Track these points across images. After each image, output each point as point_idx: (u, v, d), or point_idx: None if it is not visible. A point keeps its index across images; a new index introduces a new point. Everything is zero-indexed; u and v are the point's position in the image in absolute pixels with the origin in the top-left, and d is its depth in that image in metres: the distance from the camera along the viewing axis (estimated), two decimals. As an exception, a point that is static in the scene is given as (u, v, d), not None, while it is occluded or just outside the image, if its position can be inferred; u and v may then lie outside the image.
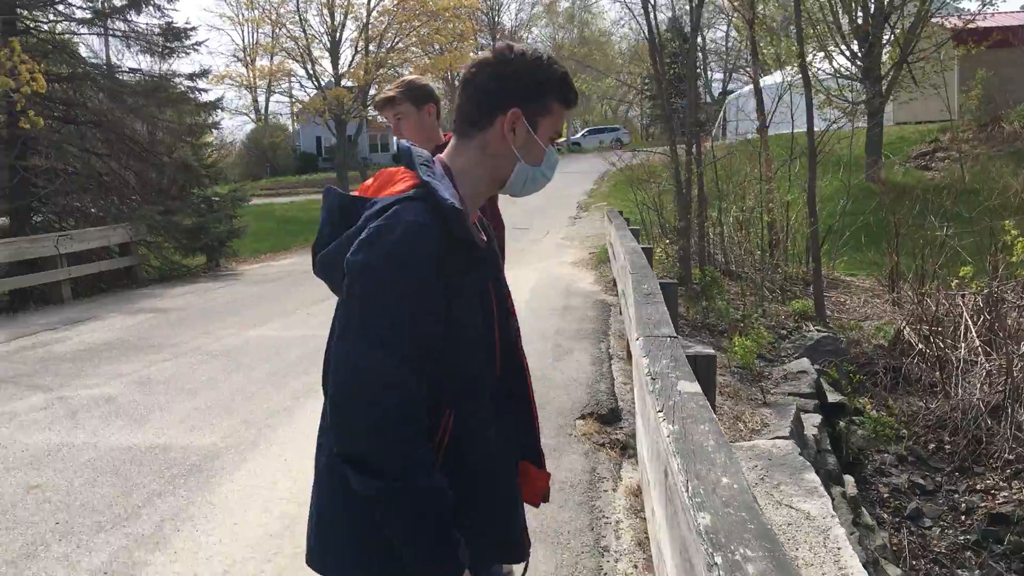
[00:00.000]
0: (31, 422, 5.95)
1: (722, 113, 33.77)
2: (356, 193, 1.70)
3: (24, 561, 3.79)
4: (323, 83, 28.58)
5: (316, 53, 28.53)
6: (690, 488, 1.82)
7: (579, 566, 3.68)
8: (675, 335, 3.51)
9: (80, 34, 15.25)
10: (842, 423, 8.59)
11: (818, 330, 11.15)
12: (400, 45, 28.28)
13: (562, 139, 54.08)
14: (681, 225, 12.09)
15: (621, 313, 8.62)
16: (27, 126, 11.00)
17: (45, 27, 14.82)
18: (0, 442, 5.51)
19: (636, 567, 3.68)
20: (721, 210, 14.16)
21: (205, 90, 16.72)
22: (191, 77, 15.97)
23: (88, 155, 15.07)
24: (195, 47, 15.39)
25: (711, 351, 3.41)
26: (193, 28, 15.62)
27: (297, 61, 28.19)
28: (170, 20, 15.08)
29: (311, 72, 28.12)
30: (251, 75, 42.24)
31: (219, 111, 16.41)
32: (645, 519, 4.18)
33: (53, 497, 4.54)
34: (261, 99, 52.59)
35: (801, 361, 9.38)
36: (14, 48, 10.02)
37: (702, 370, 3.25)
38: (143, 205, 14.76)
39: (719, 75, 57.26)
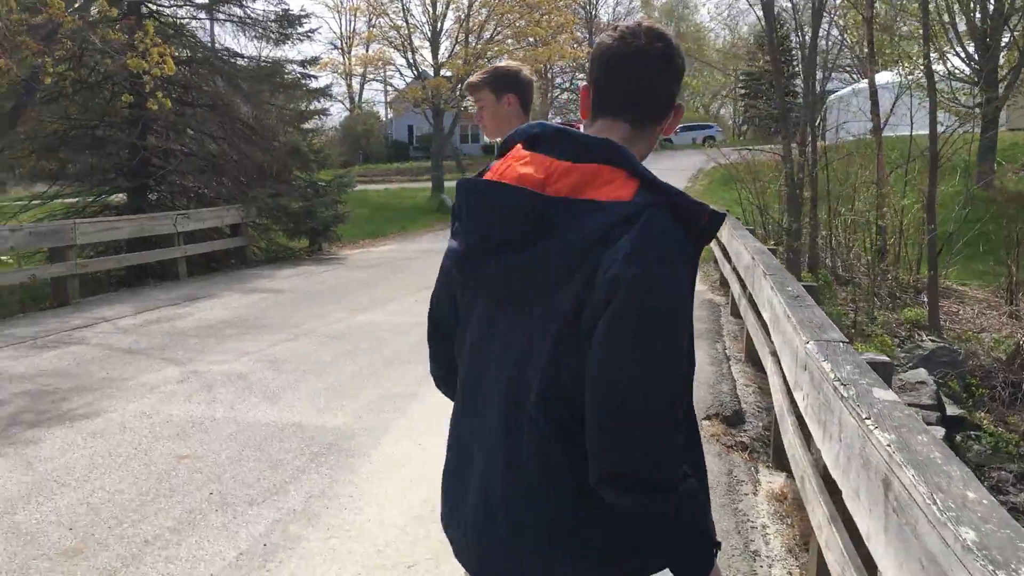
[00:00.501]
0: (171, 394, 6.17)
1: (823, 113, 33.02)
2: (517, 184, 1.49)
3: (186, 528, 3.93)
4: (422, 72, 28.89)
5: (416, 43, 28.87)
6: (938, 502, 1.77)
7: (732, 568, 3.64)
8: (846, 340, 3.44)
9: (199, 19, 15.72)
10: (959, 437, 8.32)
11: (932, 340, 10.81)
12: (499, 36, 28.38)
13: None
14: (793, 227, 11.85)
15: (739, 315, 8.50)
16: (154, 107, 11.39)
17: (167, 11, 15.32)
18: (146, 411, 5.73)
19: (790, 574, 3.62)
20: (832, 213, 13.84)
21: (315, 77, 17.06)
22: (302, 64, 16.32)
23: (203, 137, 15.57)
24: (308, 34, 15.71)
25: (886, 358, 3.32)
26: (307, 15, 15.94)
27: (398, 50, 28.53)
28: (286, 7, 15.43)
29: (411, 61, 28.44)
30: (347, 63, 42.93)
31: (327, 98, 16.69)
32: (791, 526, 4.12)
33: (203, 468, 4.70)
34: (355, 87, 53.46)
35: (918, 371, 9.12)
36: (148, 31, 10.37)
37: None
38: (254, 188, 15.16)
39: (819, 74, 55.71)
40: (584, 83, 1.63)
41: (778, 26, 15.49)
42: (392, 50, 29.16)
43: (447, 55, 28.71)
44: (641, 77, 1.54)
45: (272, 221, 15.38)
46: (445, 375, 1.84)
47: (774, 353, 5.17)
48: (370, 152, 47.90)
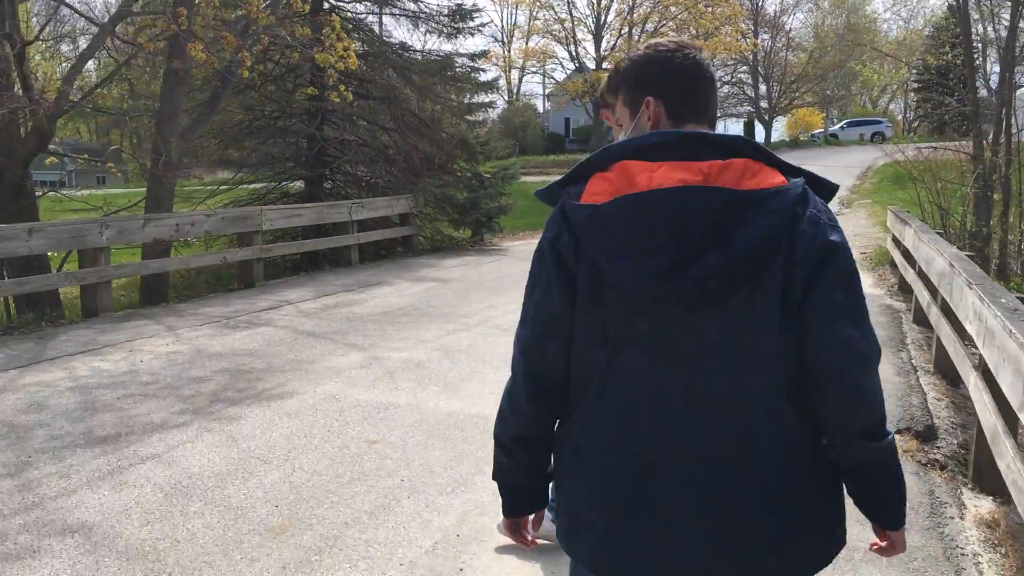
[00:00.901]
0: (356, 379, 6.40)
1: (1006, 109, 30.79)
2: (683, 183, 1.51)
3: (382, 513, 4.06)
4: (583, 65, 28.88)
5: (579, 35, 28.89)
6: None
7: (945, 599, 3.43)
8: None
9: (376, 13, 16.25)
10: None
11: None
12: (662, 29, 27.98)
13: (818, 130, 51.59)
14: (983, 230, 11.12)
15: (925, 323, 8.06)
16: (336, 99, 11.86)
17: (348, 6, 15.92)
18: (334, 395, 5.97)
19: (1011, 610, 3.38)
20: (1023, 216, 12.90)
21: (484, 70, 17.34)
22: (471, 57, 16.61)
23: (375, 128, 16.12)
24: (479, 28, 15.96)
25: None
26: (479, 9, 16.20)
27: (561, 43, 28.65)
28: (459, 1, 15.72)
29: (573, 54, 28.49)
30: (506, 55, 43.40)
31: (494, 91, 16.92)
32: (1006, 555, 3.85)
33: (392, 454, 4.84)
34: (514, 79, 54.01)
35: None
36: (335, 27, 10.80)
37: None
38: (422, 178, 15.58)
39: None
40: (647, 96, 1.68)
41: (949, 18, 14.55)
42: (555, 43, 29.24)
43: (609, 48, 28.59)
44: (708, 83, 1.70)
45: (438, 211, 15.76)
46: (542, 434, 1.72)
47: (980, 368, 4.85)
48: (527, 144, 48.33)
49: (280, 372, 6.61)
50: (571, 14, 28.23)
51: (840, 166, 34.08)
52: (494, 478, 1.82)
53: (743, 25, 33.09)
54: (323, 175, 15.47)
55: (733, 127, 50.53)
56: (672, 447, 1.54)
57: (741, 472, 1.53)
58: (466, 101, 16.92)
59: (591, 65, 28.32)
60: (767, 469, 1.53)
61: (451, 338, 7.83)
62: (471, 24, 16.06)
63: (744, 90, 44.78)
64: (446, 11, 15.81)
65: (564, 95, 29.54)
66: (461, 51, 16.23)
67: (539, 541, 2.52)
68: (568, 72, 30.52)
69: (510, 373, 1.71)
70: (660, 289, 1.48)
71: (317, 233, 13.77)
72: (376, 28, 16.62)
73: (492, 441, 1.84)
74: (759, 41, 34.23)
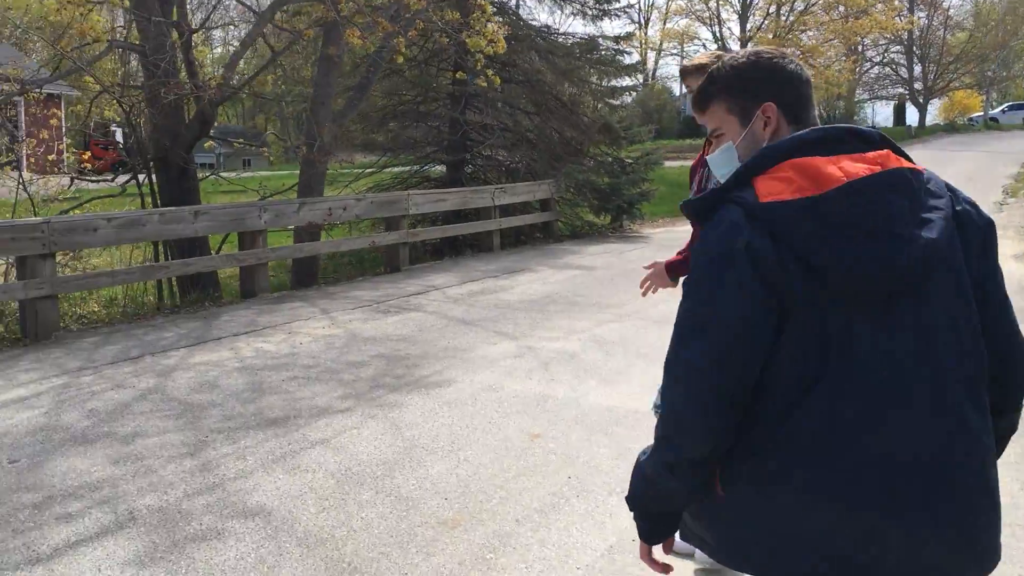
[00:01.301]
0: (511, 369, 6.34)
1: None
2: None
3: (552, 512, 3.96)
4: (727, 46, 28.06)
5: (724, 15, 28.10)
6: None
7: None
8: None
9: (521, -2, 16.15)
10: None
11: None
12: (813, 8, 26.90)
13: (977, 113, 48.54)
14: None
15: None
16: (484, 84, 11.84)
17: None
18: (491, 384, 5.93)
19: None
20: None
21: (628, 52, 17.00)
22: (615, 40, 16.32)
23: (516, 112, 16.07)
24: (625, 10, 15.66)
25: None
26: (625, -9, 15.88)
27: (704, 23, 27.91)
28: (608, -19, 15.46)
29: (717, 35, 27.73)
30: (643, 37, 42.65)
31: (638, 74, 16.58)
32: None
33: (556, 450, 4.74)
34: (649, 62, 53.10)
35: None
36: (485, 10, 10.76)
37: None
38: (563, 163, 15.46)
39: None
40: (764, 100, 1.70)
41: None
42: (698, 23, 28.51)
43: (756, 28, 27.70)
44: (811, 87, 1.76)
45: (579, 197, 15.60)
46: (716, 455, 1.57)
47: None
48: (662, 127, 47.50)
49: (435, 359, 6.62)
50: (716, -7, 27.46)
51: (1002, 152, 32.02)
52: (638, 504, 1.73)
53: (897, 2, 31.37)
54: (464, 160, 15.54)
55: (883, 110, 48.17)
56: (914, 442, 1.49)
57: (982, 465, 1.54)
58: (608, 84, 16.65)
59: (735, 46, 27.47)
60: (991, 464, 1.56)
61: (603, 329, 7.68)
62: (617, 5, 15.79)
63: (897, 71, 42.53)
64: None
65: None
66: (603, 33, 15.89)
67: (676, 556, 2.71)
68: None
69: (675, 391, 1.58)
70: (890, 270, 1.46)
71: (457, 218, 13.86)
72: (517, 11, 16.49)
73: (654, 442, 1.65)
74: (915, 19, 32.25)
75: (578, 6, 15.73)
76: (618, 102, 16.96)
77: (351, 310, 8.68)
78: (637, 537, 1.79)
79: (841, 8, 28.26)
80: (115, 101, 10.30)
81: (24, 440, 4.87)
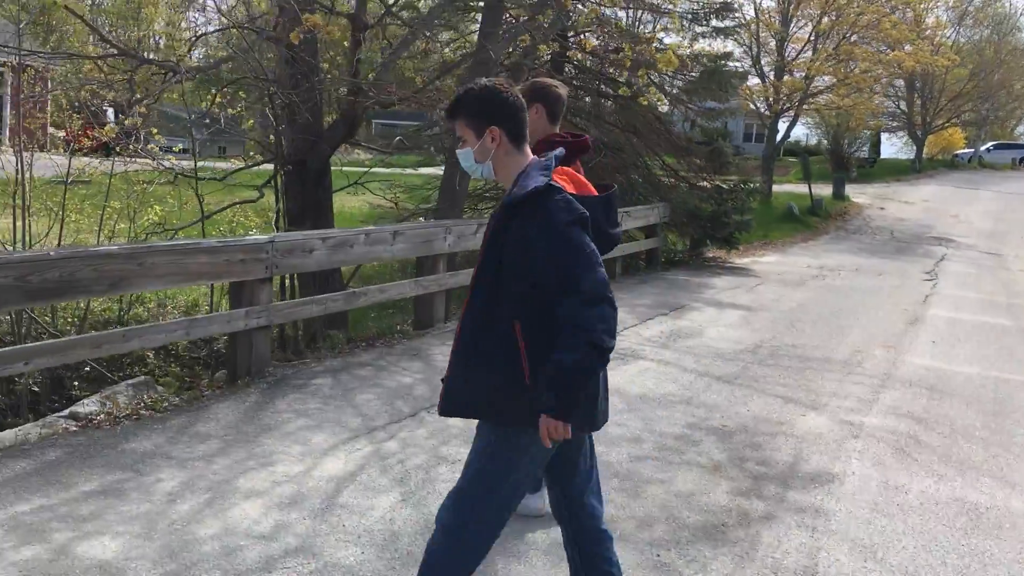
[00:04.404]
0: (878, 457, 5.45)
1: None
2: None
3: None
4: (762, 72, 27.55)
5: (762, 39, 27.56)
6: None
7: None
8: None
9: (628, 8, 15.31)
10: None
11: None
12: (854, 39, 26.53)
13: (964, 151, 48.97)
14: None
15: None
16: (645, 102, 10.97)
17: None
18: (891, 483, 5.02)
19: None
20: None
21: (745, 74, 16.24)
22: (723, 59, 15.57)
23: (612, 131, 15.17)
24: (736, 29, 14.88)
25: None
26: (734, 8, 15.13)
27: (743, 46, 27.28)
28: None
29: (754, 59, 27.16)
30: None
31: (737, 96, 15.85)
32: None
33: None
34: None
35: None
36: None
37: None
38: (671, 188, 14.70)
39: None
40: (491, 123, 2.63)
41: None
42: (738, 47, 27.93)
43: (793, 55, 27.27)
44: (525, 114, 2.72)
45: (688, 223, 14.77)
46: None
47: None
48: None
49: (762, 435, 5.69)
50: (758, 18, 26.86)
51: (1017, 193, 32.20)
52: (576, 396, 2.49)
53: (925, 41, 31.19)
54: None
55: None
56: None
57: None
58: (704, 105, 15.88)
59: (769, 72, 27.07)
60: None
61: (895, 396, 6.83)
62: (729, 24, 15.03)
63: (898, 104, 42.61)
64: (708, 8, 14.75)
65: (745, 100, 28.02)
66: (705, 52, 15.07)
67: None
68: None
69: (605, 305, 2.45)
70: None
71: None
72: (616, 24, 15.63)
73: None
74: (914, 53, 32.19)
75: (694, 24, 14.89)
76: (718, 125, 16.15)
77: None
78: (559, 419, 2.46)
79: (872, 45, 27.97)
80: (267, 97, 9.15)
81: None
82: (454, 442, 5.18)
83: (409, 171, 17.94)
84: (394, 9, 9.11)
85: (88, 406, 5.93)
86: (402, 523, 4.05)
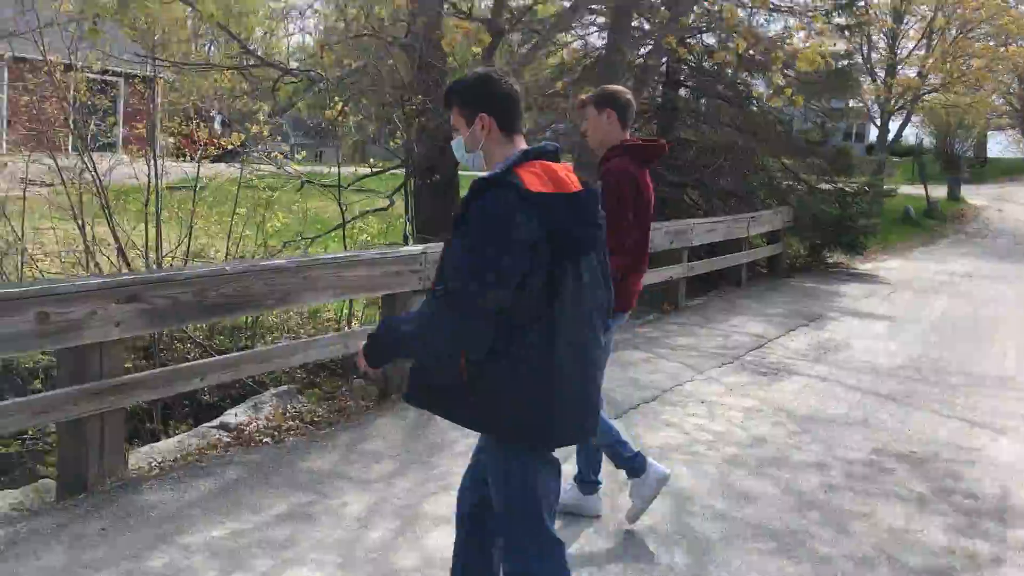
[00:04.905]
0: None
1: None
2: None
3: None
4: (875, 71, 26.63)
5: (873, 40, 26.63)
6: None
7: None
8: None
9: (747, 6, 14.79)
10: None
11: None
12: (971, 34, 25.39)
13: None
14: None
15: None
16: (779, 102, 10.56)
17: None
18: None
19: None
20: None
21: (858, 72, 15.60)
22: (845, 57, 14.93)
23: (724, 131, 14.70)
24: (859, 26, 14.24)
25: None
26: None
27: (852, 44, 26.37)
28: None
29: (866, 57, 26.27)
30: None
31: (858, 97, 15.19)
32: None
33: None
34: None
35: None
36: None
37: None
38: (784, 192, 14.19)
39: None
40: (481, 111, 2.58)
41: None
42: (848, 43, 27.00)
43: (905, 53, 26.28)
44: (518, 104, 2.68)
45: (808, 228, 14.21)
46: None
47: None
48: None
49: (975, 467, 5.29)
50: (868, 11, 25.93)
51: None
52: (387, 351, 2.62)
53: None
54: (683, 184, 14.14)
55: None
56: None
57: None
58: (824, 105, 15.29)
59: (880, 71, 26.10)
60: None
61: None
62: (852, 22, 14.41)
63: (1012, 102, 40.67)
64: (833, 4, 14.16)
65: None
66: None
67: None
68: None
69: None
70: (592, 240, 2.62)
71: (710, 252, 12.28)
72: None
73: None
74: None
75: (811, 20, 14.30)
76: (833, 125, 15.53)
77: (716, 367, 7.38)
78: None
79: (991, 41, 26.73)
80: (400, 105, 9.08)
81: None
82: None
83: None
84: (527, 16, 8.89)
85: (238, 416, 5.91)
86: (602, 543, 3.84)
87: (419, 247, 6.39)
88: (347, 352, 5.90)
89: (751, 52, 10.33)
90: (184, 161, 11.73)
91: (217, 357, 5.40)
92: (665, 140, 12.67)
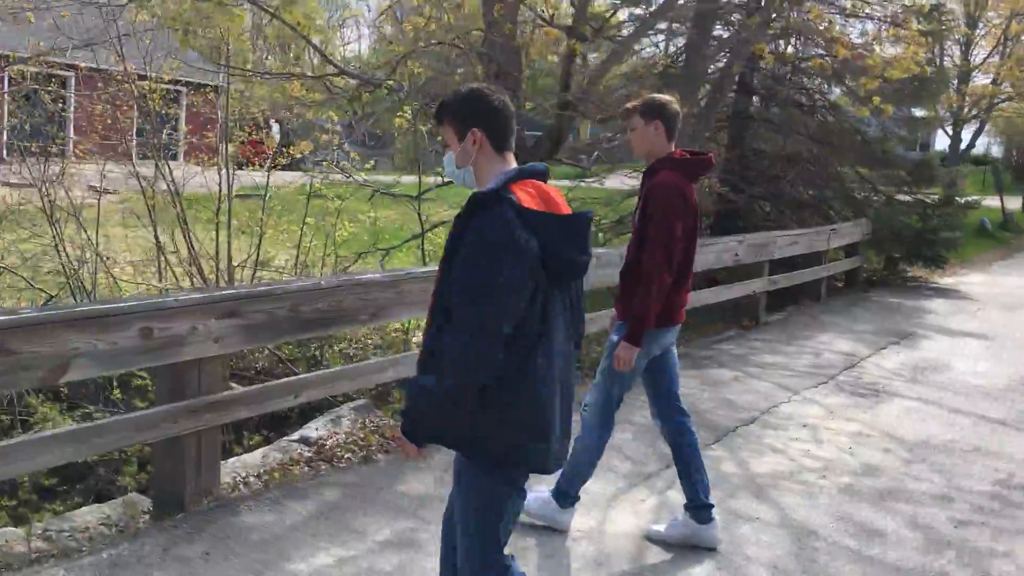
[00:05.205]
0: None
1: None
2: None
3: None
4: (949, 78, 25.91)
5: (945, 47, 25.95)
6: None
7: None
8: None
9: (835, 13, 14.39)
10: None
11: None
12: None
13: None
14: None
15: None
16: (866, 112, 10.18)
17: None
18: None
19: None
20: None
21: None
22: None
23: (805, 141, 14.32)
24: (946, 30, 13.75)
25: None
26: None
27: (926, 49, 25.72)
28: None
29: (938, 65, 25.55)
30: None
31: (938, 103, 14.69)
32: None
33: None
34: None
35: None
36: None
37: None
38: (868, 202, 13.77)
39: None
40: (473, 127, 2.50)
41: None
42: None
43: (979, 60, 25.54)
44: (510, 119, 2.56)
45: (887, 240, 13.75)
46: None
47: None
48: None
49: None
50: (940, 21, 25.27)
51: None
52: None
53: None
54: (753, 195, 13.74)
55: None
56: None
57: None
58: (904, 114, 14.81)
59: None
60: None
61: None
62: (933, 28, 13.92)
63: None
64: (915, 10, 13.67)
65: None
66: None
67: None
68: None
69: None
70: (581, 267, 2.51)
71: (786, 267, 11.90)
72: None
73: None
74: None
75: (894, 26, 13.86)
76: (918, 134, 15.02)
77: (811, 387, 7.07)
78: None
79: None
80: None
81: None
82: (742, 493, 4.69)
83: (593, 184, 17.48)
84: (604, 25, 8.69)
85: (318, 430, 5.78)
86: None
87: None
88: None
89: (845, 58, 9.95)
90: (249, 170, 11.73)
91: (312, 374, 5.26)
92: (738, 150, 12.41)
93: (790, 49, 13.76)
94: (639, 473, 4.94)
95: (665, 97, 3.96)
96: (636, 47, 13.96)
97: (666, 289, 3.79)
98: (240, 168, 12.03)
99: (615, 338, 3.95)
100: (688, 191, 3.85)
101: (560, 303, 2.44)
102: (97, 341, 3.68)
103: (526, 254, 2.28)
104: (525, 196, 2.37)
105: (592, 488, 4.63)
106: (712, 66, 11.76)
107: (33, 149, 10.81)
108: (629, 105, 3.99)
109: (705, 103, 11.12)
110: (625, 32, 9.99)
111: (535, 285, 2.33)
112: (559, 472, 3.94)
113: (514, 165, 2.52)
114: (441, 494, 4.45)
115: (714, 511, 4.00)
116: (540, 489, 4.01)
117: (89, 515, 4.71)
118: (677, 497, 4.58)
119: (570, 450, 2.79)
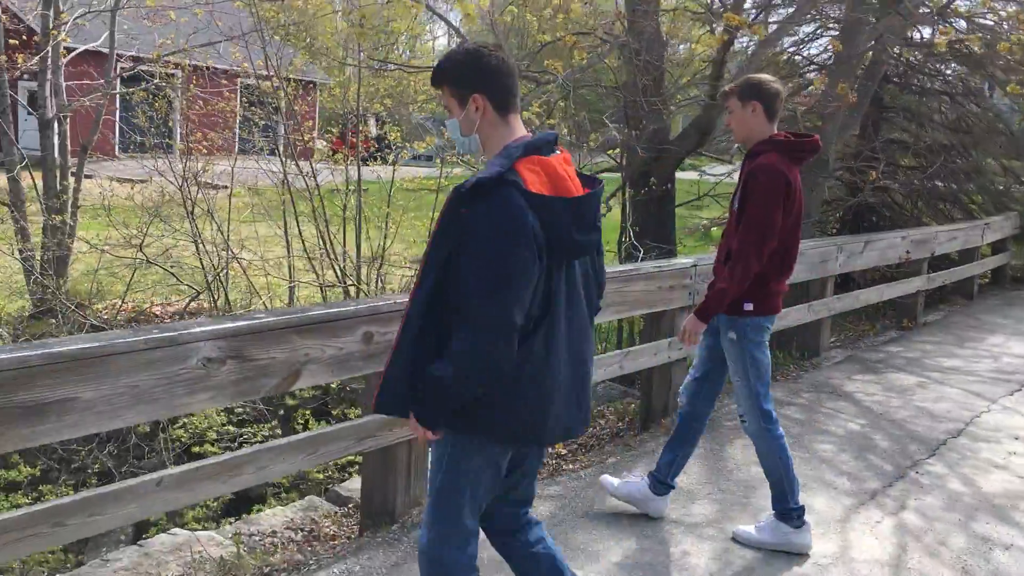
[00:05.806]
0: None
1: None
2: None
3: None
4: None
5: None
6: None
7: None
8: None
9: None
10: None
11: None
12: None
13: None
14: None
15: None
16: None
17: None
18: None
19: None
20: None
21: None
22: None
23: (942, 131, 13.58)
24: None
25: None
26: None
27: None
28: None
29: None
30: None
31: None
32: None
33: None
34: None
35: None
36: None
37: None
38: (1009, 194, 12.99)
39: None
40: (475, 90, 2.35)
41: None
42: None
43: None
44: (513, 79, 2.43)
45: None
46: None
47: None
48: None
49: None
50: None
51: None
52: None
53: None
54: (887, 188, 13.05)
55: None
56: None
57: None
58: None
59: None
60: None
61: None
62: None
63: None
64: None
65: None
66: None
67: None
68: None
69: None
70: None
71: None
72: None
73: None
74: None
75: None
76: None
77: (1007, 395, 6.56)
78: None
79: None
80: (622, 106, 8.63)
81: None
82: (982, 516, 4.28)
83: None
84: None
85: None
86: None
87: (690, 259, 5.86)
88: (621, 372, 5.49)
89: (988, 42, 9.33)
90: (371, 165, 11.70)
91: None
92: (874, 141, 11.78)
93: (927, 33, 13.09)
94: (861, 489, 4.57)
95: (763, 76, 3.72)
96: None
97: (750, 274, 3.50)
98: (368, 161, 11.99)
99: (732, 336, 3.71)
100: (792, 175, 3.57)
101: (571, 278, 2.36)
102: (326, 347, 3.51)
103: (534, 240, 2.19)
104: (532, 177, 2.24)
105: (815, 504, 4.30)
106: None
107: (149, 145, 10.92)
108: (726, 88, 3.80)
109: (856, 91, 10.54)
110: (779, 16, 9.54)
111: (540, 270, 2.25)
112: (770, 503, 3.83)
113: (520, 130, 2.38)
114: (667, 513, 4.18)
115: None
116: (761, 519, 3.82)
117: (274, 517, 4.61)
118: (915, 521, 4.22)
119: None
